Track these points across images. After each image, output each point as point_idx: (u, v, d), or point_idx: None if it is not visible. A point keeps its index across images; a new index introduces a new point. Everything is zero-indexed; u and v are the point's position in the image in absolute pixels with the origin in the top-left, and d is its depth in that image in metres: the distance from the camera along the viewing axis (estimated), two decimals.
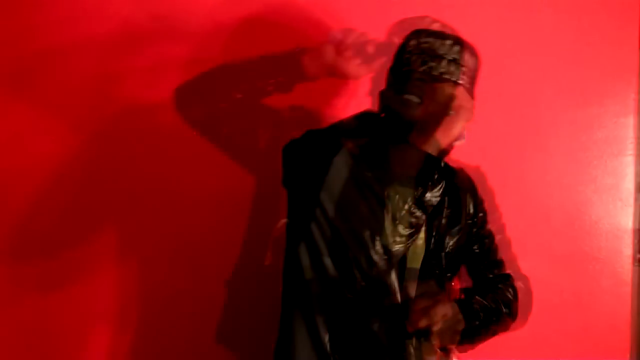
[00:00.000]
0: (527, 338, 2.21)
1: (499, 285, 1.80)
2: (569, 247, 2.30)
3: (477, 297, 1.70)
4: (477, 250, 1.81)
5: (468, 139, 2.20)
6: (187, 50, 2.21)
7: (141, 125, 2.23)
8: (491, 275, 1.82)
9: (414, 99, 1.59)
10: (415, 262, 1.66)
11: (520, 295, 1.86)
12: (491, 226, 1.96)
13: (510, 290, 1.82)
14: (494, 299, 1.73)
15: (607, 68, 2.31)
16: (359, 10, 2.19)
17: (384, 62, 1.64)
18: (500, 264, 1.87)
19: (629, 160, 2.30)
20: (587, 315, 2.29)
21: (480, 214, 1.84)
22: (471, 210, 1.79)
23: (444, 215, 1.72)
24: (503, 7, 2.30)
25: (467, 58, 1.62)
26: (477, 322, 1.65)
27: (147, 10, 2.20)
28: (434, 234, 1.68)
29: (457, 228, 1.73)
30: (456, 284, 1.81)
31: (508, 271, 1.91)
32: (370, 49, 1.58)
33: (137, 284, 2.24)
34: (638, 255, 2.33)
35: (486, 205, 1.94)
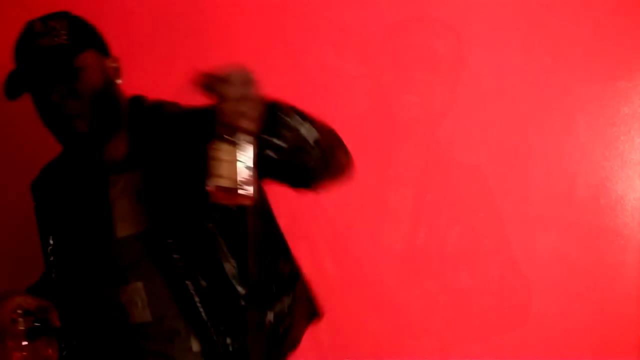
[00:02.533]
0: (528, 335, 2.23)
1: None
2: (594, 222, 2.28)
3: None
4: None
5: (494, 115, 2.22)
6: (188, 50, 2.23)
7: None
8: None
9: None
10: None
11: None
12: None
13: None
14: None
15: (635, 42, 2.25)
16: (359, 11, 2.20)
17: None
18: None
19: None
20: (612, 290, 2.28)
21: None
22: None
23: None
24: None
25: (50, 24, 1.47)
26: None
27: (147, 10, 2.23)
28: None
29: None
30: None
31: None
32: None
33: None
34: None
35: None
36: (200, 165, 1.23)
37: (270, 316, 1.55)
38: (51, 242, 1.62)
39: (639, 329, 2.27)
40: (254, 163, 1.21)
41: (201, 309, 1.47)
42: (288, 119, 1.37)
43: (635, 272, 2.28)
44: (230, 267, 1.49)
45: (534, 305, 2.26)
